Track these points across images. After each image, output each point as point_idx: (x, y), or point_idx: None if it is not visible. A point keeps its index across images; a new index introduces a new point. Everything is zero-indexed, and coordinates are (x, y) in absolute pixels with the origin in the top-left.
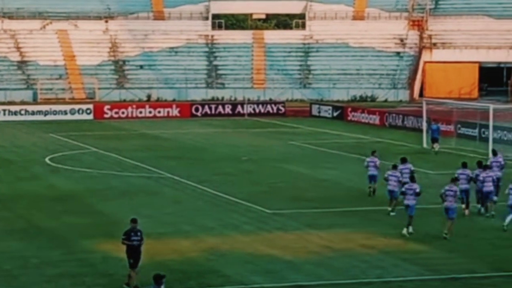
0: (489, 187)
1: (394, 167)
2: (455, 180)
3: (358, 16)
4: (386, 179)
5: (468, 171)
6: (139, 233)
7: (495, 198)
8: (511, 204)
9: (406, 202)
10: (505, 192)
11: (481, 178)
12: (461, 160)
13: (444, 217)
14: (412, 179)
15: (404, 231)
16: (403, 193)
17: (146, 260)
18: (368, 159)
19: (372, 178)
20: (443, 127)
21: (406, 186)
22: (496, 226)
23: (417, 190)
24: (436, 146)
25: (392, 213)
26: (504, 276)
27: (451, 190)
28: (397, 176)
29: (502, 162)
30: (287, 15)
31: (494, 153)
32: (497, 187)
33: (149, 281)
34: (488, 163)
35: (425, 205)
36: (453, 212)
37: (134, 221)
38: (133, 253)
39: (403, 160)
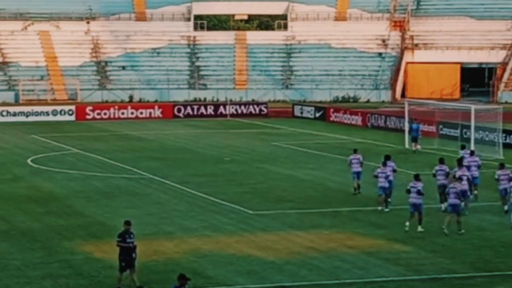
0: (464, 185)
1: (384, 164)
2: (459, 179)
3: (340, 17)
4: (376, 176)
5: (445, 167)
6: (132, 235)
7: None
8: None
9: (412, 200)
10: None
11: (457, 176)
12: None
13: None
14: (417, 178)
15: (419, 228)
16: (408, 191)
17: None
18: (351, 157)
19: (357, 175)
20: (425, 128)
21: (411, 184)
22: (476, 226)
23: (419, 189)
24: (416, 146)
25: (386, 210)
26: (484, 276)
27: (454, 187)
28: (385, 173)
29: (479, 162)
30: (269, 16)
31: (472, 153)
32: (474, 185)
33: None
34: (466, 163)
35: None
36: (458, 207)
37: (128, 223)
38: (127, 255)
39: (387, 158)
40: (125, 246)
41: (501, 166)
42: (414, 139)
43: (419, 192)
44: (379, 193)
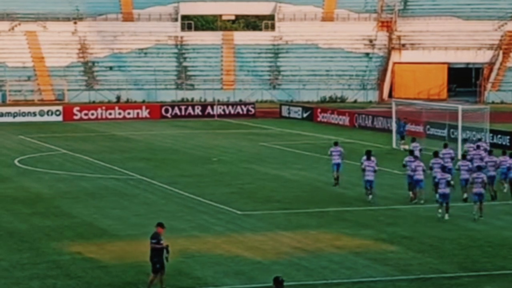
0: (419, 175)
1: (368, 157)
2: (480, 168)
3: (327, 17)
4: (364, 170)
5: (440, 160)
6: (162, 237)
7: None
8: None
9: (441, 191)
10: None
11: (412, 167)
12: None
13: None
14: (444, 170)
15: (446, 216)
16: (436, 184)
17: (116, 261)
18: (332, 149)
19: (337, 166)
20: (412, 128)
21: (440, 175)
22: (463, 226)
23: (448, 179)
24: (404, 145)
25: (369, 197)
26: (472, 276)
27: (479, 177)
28: (373, 167)
29: (453, 154)
30: (257, 16)
31: (445, 146)
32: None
33: (120, 283)
34: (440, 155)
35: (397, 205)
36: (481, 196)
37: (161, 225)
38: (161, 256)
39: (369, 152)
40: (159, 248)
41: (463, 157)
42: (402, 137)
43: (448, 183)
44: (366, 186)
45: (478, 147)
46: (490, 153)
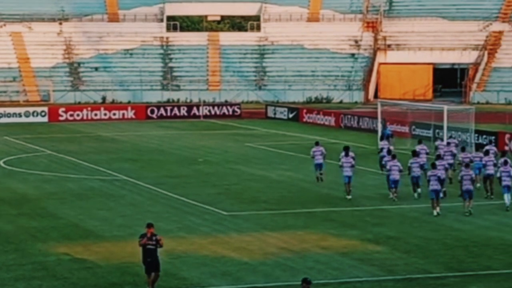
0: (396, 175)
1: (346, 154)
2: (467, 165)
3: (312, 18)
4: (341, 166)
5: (419, 159)
6: (154, 238)
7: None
8: (506, 185)
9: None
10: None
11: (388, 167)
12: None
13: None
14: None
15: (435, 212)
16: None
17: (102, 262)
18: (314, 149)
19: (319, 166)
20: (398, 128)
21: (429, 172)
22: (449, 226)
23: (472, 176)
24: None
25: (348, 197)
26: (458, 276)
27: (468, 174)
28: (350, 162)
29: (428, 150)
30: (242, 17)
31: (419, 141)
32: (424, 170)
33: (106, 284)
34: (417, 149)
35: (383, 206)
36: (470, 193)
37: (148, 225)
38: (152, 256)
39: (347, 148)
40: (147, 246)
41: (414, 154)
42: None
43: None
44: (345, 181)
45: (448, 144)
46: (463, 149)
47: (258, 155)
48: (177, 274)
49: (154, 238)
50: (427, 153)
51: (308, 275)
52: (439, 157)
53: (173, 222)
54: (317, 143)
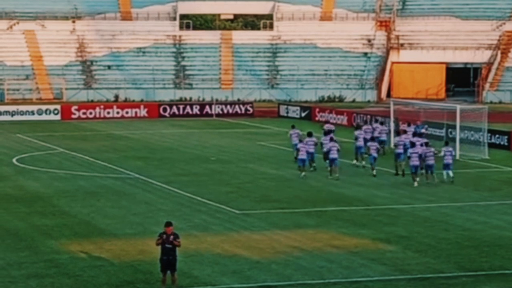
0: (333, 154)
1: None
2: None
3: (325, 17)
4: (298, 150)
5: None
6: (171, 237)
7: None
8: (447, 163)
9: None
10: (440, 154)
11: (328, 147)
12: (425, 162)
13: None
14: (413, 144)
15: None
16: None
17: (113, 260)
18: (291, 132)
19: (296, 146)
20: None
21: (410, 150)
22: (460, 226)
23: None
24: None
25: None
26: (470, 276)
27: (416, 152)
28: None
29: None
30: (255, 15)
31: (360, 126)
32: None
33: (118, 282)
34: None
35: (395, 205)
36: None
37: (166, 224)
38: (169, 255)
39: (310, 134)
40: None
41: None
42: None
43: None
44: (299, 164)
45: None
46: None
47: (270, 154)
48: (188, 272)
49: (170, 237)
50: (435, 154)
51: (319, 274)
52: (413, 144)
53: (184, 220)
54: (293, 126)
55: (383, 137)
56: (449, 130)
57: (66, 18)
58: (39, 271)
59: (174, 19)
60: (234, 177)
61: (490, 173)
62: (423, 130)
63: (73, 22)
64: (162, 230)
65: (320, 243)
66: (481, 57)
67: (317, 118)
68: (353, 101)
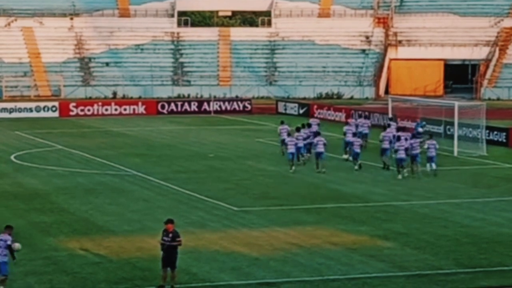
0: (320, 148)
1: (298, 129)
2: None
3: (323, 14)
4: (286, 144)
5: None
6: (170, 234)
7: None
8: (430, 156)
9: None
10: (424, 147)
11: (314, 142)
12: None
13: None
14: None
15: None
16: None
17: (112, 257)
18: (280, 127)
19: (284, 142)
20: (408, 124)
21: (397, 143)
22: (459, 223)
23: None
24: None
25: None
26: (468, 273)
27: (402, 146)
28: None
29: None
30: (253, 12)
31: (389, 125)
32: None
33: (116, 279)
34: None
35: (393, 202)
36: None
37: (166, 222)
38: (168, 253)
39: (298, 129)
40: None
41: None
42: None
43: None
44: (288, 157)
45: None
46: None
47: (269, 151)
48: (186, 269)
49: (170, 235)
50: (436, 148)
51: (318, 271)
52: (403, 129)
53: (183, 217)
54: (282, 122)
55: (365, 130)
56: (447, 127)
57: (64, 15)
58: (37, 268)
59: (172, 16)
60: (232, 174)
61: (488, 170)
62: (420, 129)
63: (71, 19)
64: (161, 227)
65: (318, 240)
66: (479, 53)
67: (315, 115)
68: (351, 98)
